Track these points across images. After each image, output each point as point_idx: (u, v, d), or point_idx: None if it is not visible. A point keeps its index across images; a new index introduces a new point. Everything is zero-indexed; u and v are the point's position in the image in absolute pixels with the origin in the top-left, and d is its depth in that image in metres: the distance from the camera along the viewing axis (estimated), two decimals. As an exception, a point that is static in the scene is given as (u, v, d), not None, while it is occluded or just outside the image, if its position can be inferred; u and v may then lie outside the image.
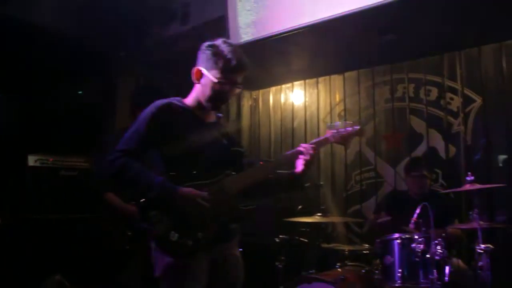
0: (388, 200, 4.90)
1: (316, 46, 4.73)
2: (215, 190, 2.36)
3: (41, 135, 4.66)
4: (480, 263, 3.34)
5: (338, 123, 2.60)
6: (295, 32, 4.26)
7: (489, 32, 4.61)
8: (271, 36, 4.37)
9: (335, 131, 2.55)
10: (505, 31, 4.57)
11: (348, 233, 5.66)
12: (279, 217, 4.55)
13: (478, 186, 3.47)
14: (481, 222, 3.57)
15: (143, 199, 2.31)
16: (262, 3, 4.42)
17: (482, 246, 3.33)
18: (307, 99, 6.31)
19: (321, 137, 2.57)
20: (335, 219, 4.36)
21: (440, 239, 3.36)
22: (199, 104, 2.50)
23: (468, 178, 3.52)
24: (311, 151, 2.47)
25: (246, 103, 6.88)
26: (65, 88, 5.02)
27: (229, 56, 2.39)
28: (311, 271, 3.77)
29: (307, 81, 6.32)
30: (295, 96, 6.45)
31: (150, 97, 2.50)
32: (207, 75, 2.42)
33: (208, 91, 2.44)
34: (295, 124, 6.32)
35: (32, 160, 4.33)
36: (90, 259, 4.12)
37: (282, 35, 4.32)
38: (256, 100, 6.89)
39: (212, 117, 2.59)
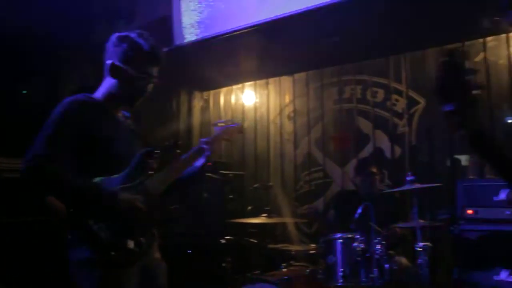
0: (336, 200, 4.96)
1: (264, 47, 4.73)
2: (141, 192, 2.22)
3: (-17, 136, 4.50)
4: (419, 261, 3.42)
5: (223, 121, 2.82)
6: (239, 32, 4.26)
7: (432, 36, 4.72)
8: (215, 37, 4.36)
9: (222, 128, 2.70)
10: (447, 35, 4.69)
11: (298, 233, 5.71)
12: (227, 218, 4.54)
13: (417, 185, 3.55)
14: (421, 221, 3.67)
15: (77, 207, 2.12)
16: (207, 3, 4.40)
17: (421, 244, 3.40)
18: (257, 100, 6.33)
19: (213, 135, 2.66)
20: (280, 219, 4.37)
21: (380, 238, 3.42)
22: (110, 100, 2.34)
23: (408, 178, 3.59)
24: (209, 146, 2.54)
25: (197, 104, 6.83)
26: (7, 88, 4.86)
27: (147, 49, 2.29)
28: (255, 272, 3.78)
29: (257, 82, 6.33)
30: (245, 97, 6.45)
31: None
32: (124, 70, 2.27)
33: (125, 86, 2.31)
34: (246, 125, 6.33)
35: (-27, 162, 4.18)
36: (32, 265, 4.00)
37: (225, 36, 4.32)
38: (207, 101, 6.85)
39: (120, 114, 2.44)
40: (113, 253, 2.08)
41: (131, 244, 2.12)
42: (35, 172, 2.02)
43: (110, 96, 2.33)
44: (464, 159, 4.68)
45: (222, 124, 2.75)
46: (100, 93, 2.35)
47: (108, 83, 2.34)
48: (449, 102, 1.24)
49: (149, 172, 2.32)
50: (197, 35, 4.43)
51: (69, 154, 2.13)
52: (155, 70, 2.36)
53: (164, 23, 4.43)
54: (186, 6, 4.45)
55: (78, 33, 4.56)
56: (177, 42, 4.53)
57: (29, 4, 4.33)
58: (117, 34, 2.34)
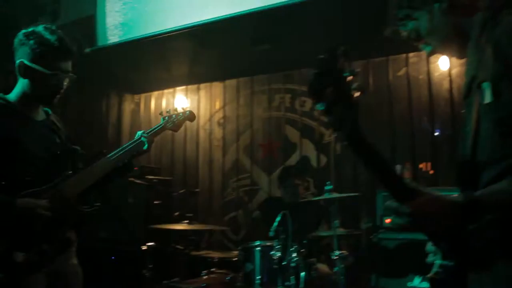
0: (263, 207, 4.98)
1: (194, 52, 4.70)
2: (54, 195, 2.15)
3: None
4: (335, 269, 3.48)
5: (170, 110, 2.73)
6: (165, 35, 4.20)
7: (359, 49, 4.84)
8: (139, 39, 4.27)
9: (167, 118, 2.66)
10: (372, 48, 4.83)
11: (224, 240, 5.70)
12: (152, 224, 4.45)
13: (335, 194, 3.61)
14: (342, 230, 3.74)
15: None
16: (131, 5, 4.32)
17: (337, 252, 3.46)
18: (188, 105, 6.23)
19: (156, 126, 2.62)
20: (201, 226, 4.34)
21: (298, 246, 3.46)
22: (25, 101, 2.25)
23: (326, 187, 3.65)
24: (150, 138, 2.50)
25: (128, 106, 6.69)
26: None
27: (57, 44, 2.19)
28: (174, 280, 3.73)
29: (189, 87, 6.29)
30: (176, 102, 6.37)
31: None
32: (36, 68, 2.17)
33: (39, 86, 2.21)
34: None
35: None
36: None
37: (150, 38, 4.24)
38: (138, 104, 6.73)
39: (40, 114, 2.35)
40: (4, 265, 2.01)
41: (18, 257, 2.01)
42: None
43: (23, 96, 2.24)
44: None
45: (169, 114, 2.71)
46: (14, 93, 2.25)
47: (20, 83, 2.24)
48: (320, 101, 1.22)
49: (67, 173, 2.26)
50: (120, 37, 4.33)
51: None
52: (68, 65, 2.26)
53: (88, 23, 4.30)
54: (111, 7, 4.35)
55: (0, 30, 4.37)
56: (101, 43, 4.41)
57: None
58: (23, 31, 2.23)
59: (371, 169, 1.27)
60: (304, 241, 3.65)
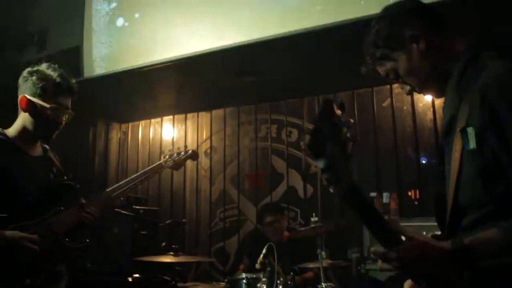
0: (248, 240, 4.96)
1: (179, 83, 4.75)
2: (43, 230, 2.19)
3: None
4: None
5: (173, 148, 2.80)
6: (150, 68, 4.25)
7: (344, 80, 4.91)
8: (125, 71, 4.31)
9: (168, 156, 2.74)
10: (357, 80, 4.90)
11: (212, 270, 5.65)
12: (138, 254, 4.41)
13: (321, 226, 3.61)
14: (329, 261, 3.73)
15: None
16: (117, 37, 4.38)
17: (324, 285, 3.44)
18: (175, 135, 6.29)
19: (155, 164, 2.70)
20: (187, 258, 4.30)
21: (283, 279, 3.44)
22: (24, 135, 2.33)
23: (312, 219, 3.65)
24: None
25: (115, 136, 6.69)
26: None
27: (58, 80, 2.29)
28: (159, 313, 3.68)
29: (176, 116, 6.31)
30: (164, 131, 6.39)
31: None
32: (36, 102, 2.26)
33: (38, 119, 2.29)
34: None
35: None
36: None
37: (135, 70, 4.28)
38: (125, 133, 6.73)
39: (37, 150, 2.43)
40: None
41: None
42: None
43: (23, 130, 2.32)
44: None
45: (170, 153, 2.78)
46: (13, 128, 2.34)
47: (21, 118, 2.33)
48: (321, 157, 1.23)
49: (58, 208, 2.30)
50: (106, 68, 4.38)
51: None
52: (67, 101, 2.35)
53: (75, 53, 4.34)
54: (97, 38, 4.40)
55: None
56: (86, 74, 4.45)
57: None
58: (27, 69, 2.34)
59: (362, 219, 1.29)
60: (291, 273, 3.63)
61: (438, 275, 1.31)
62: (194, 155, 2.83)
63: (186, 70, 4.43)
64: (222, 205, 5.77)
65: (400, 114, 4.93)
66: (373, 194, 4.72)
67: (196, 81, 4.83)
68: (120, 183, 2.52)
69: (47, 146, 2.49)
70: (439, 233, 1.53)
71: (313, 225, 3.62)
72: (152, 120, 6.51)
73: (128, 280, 4.02)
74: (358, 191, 1.26)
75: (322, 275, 3.51)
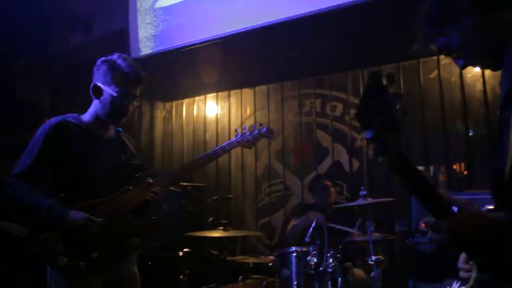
0: (295, 212, 4.98)
1: (223, 60, 4.77)
2: (110, 208, 2.34)
3: None
4: (372, 274, 3.47)
5: (246, 127, 2.72)
6: (196, 46, 4.28)
7: (389, 53, 4.84)
8: (171, 51, 4.37)
9: (240, 135, 2.69)
10: (402, 52, 4.81)
11: (258, 245, 5.73)
12: (187, 230, 4.52)
13: (370, 200, 3.61)
14: (376, 234, 3.74)
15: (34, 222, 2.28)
16: (162, 17, 4.41)
17: (374, 257, 3.46)
18: (219, 112, 6.35)
19: (227, 142, 2.70)
20: (237, 232, 4.37)
21: (334, 251, 3.47)
22: (97, 120, 2.50)
23: (361, 193, 3.65)
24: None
25: (160, 114, 6.80)
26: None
27: (127, 70, 2.42)
28: (211, 285, 3.77)
29: (219, 94, 6.36)
30: (207, 109, 6.46)
31: (28, 113, 2.45)
32: (106, 90, 2.42)
33: (107, 106, 2.44)
34: (207, 136, 6.34)
35: None
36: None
37: (182, 49, 4.33)
38: (169, 112, 6.83)
39: (110, 133, 2.58)
40: (54, 267, 2.24)
41: (62, 261, 2.21)
42: (1, 190, 2.28)
43: (95, 116, 2.49)
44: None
45: (246, 131, 2.70)
46: (87, 113, 2.52)
47: (93, 104, 2.50)
48: (368, 128, 1.23)
49: (127, 187, 2.42)
50: (152, 48, 4.44)
51: (42, 171, 2.35)
52: (135, 90, 2.49)
53: (121, 35, 4.42)
54: (142, 19, 4.46)
55: (35, 44, 4.51)
56: (134, 55, 4.52)
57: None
58: (101, 58, 2.49)
59: (412, 190, 1.28)
60: (339, 246, 3.66)
61: (491, 247, 1.29)
62: (269, 133, 2.75)
63: (230, 48, 4.44)
64: (268, 180, 5.83)
65: (448, 86, 4.82)
66: (419, 168, 4.68)
67: (239, 58, 4.84)
68: (186, 163, 2.63)
69: (120, 129, 2.63)
70: (491, 207, 1.51)
71: (361, 198, 3.63)
72: (196, 98, 6.58)
73: (178, 254, 4.11)
74: (406, 162, 1.25)
75: (371, 248, 3.53)
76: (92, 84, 2.46)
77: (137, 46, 4.48)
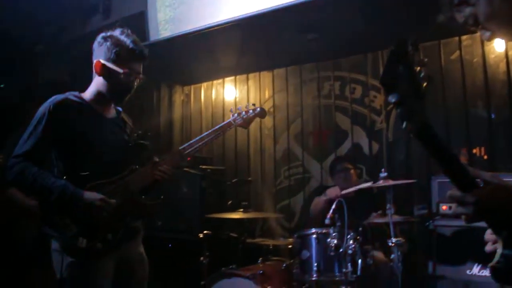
0: (315, 195, 4.98)
1: (242, 43, 4.74)
2: (120, 188, 2.32)
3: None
4: (392, 256, 3.47)
5: (241, 107, 2.81)
6: (214, 29, 4.27)
7: (408, 34, 4.76)
8: (190, 33, 4.35)
9: (236, 115, 2.78)
10: (423, 34, 4.74)
11: (278, 228, 5.75)
12: (206, 212, 4.56)
13: (391, 182, 3.59)
14: (397, 216, 3.73)
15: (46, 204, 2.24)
16: (180, 0, 4.39)
17: (394, 239, 3.45)
18: (237, 95, 6.35)
19: (225, 122, 2.76)
20: (257, 214, 4.40)
21: (354, 233, 3.47)
22: (99, 98, 2.43)
23: (381, 174, 3.64)
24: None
25: (178, 98, 6.83)
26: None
27: (131, 46, 2.37)
28: (231, 267, 3.81)
29: (237, 77, 6.35)
30: (226, 92, 6.46)
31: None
32: (110, 67, 2.35)
33: (112, 84, 2.39)
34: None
35: None
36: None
37: (201, 32, 4.31)
38: (188, 96, 6.85)
39: (111, 112, 2.53)
40: (70, 249, 2.21)
41: (82, 242, 2.19)
42: (8, 170, 2.19)
43: (97, 94, 2.42)
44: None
45: (240, 111, 2.81)
46: (88, 91, 2.44)
47: (95, 82, 2.43)
48: (393, 93, 1.22)
49: (133, 167, 2.40)
50: (171, 31, 4.43)
51: (47, 151, 2.28)
52: (139, 66, 2.45)
53: (140, 19, 4.42)
54: (161, 2, 4.44)
55: (54, 28, 4.54)
56: (153, 38, 4.53)
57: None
58: (102, 34, 2.42)
59: (437, 160, 1.27)
60: (359, 228, 3.66)
61: None
62: (263, 112, 2.88)
63: (249, 30, 4.41)
64: (287, 163, 5.83)
65: (469, 67, 4.74)
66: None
67: (258, 40, 4.81)
68: (191, 141, 2.59)
69: (119, 108, 2.59)
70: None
71: (382, 180, 3.62)
72: (214, 82, 6.58)
73: (199, 236, 4.15)
74: (430, 129, 1.24)
75: (391, 230, 3.52)
76: (95, 61, 2.39)
77: (156, 29, 4.47)
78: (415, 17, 4.28)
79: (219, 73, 6.31)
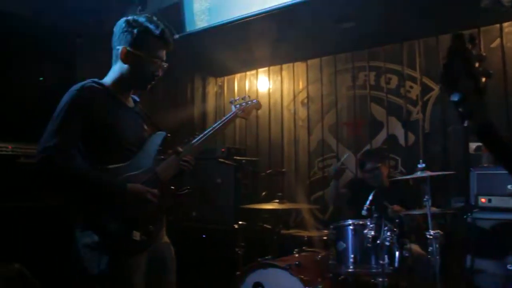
0: (349, 186, 4.94)
1: (277, 33, 4.72)
2: (152, 179, 2.28)
3: (0, 122, 4.57)
4: (430, 249, 3.42)
5: (239, 98, 2.88)
6: (250, 19, 4.25)
7: (447, 21, 4.67)
8: (226, 23, 4.35)
9: (238, 106, 2.83)
10: (462, 21, 4.64)
11: (311, 219, 5.73)
12: (241, 203, 4.58)
13: (429, 173, 3.53)
14: (434, 209, 3.66)
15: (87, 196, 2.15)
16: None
17: (432, 232, 3.40)
18: (271, 86, 6.33)
19: (230, 114, 2.79)
20: (292, 205, 4.39)
21: (391, 225, 3.43)
22: (120, 86, 2.35)
23: (419, 166, 3.58)
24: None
25: (212, 90, 6.86)
26: (25, 74, 4.92)
27: (157, 33, 2.31)
28: (267, 257, 3.82)
29: (271, 68, 6.33)
30: (259, 83, 6.46)
31: None
32: (136, 54, 2.29)
33: (137, 71, 2.32)
34: (259, 111, 6.32)
35: (-10, 148, 4.25)
36: (50, 249, 4.07)
37: (237, 22, 4.31)
38: (221, 87, 6.87)
39: (130, 101, 2.46)
40: (119, 243, 2.14)
41: (137, 235, 2.17)
42: (46, 164, 2.03)
43: (120, 81, 2.35)
44: (476, 146, 4.63)
45: (239, 102, 2.86)
46: (109, 78, 2.36)
47: (118, 69, 2.35)
48: (455, 92, 1.20)
49: (158, 157, 2.37)
50: (208, 21, 4.43)
51: (77, 142, 2.15)
52: (164, 54, 2.39)
53: (176, 10, 4.43)
54: (197, -8, 4.45)
55: (92, 21, 4.59)
56: (189, 29, 4.54)
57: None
58: (125, 19, 2.34)
59: (498, 157, 1.25)
60: (396, 220, 3.62)
61: None
62: (258, 106, 2.97)
63: (285, 19, 4.38)
64: (321, 154, 5.80)
65: (511, 56, 4.61)
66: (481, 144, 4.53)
67: (293, 30, 4.77)
68: (203, 133, 2.56)
69: (136, 98, 2.52)
70: None
71: (420, 172, 3.56)
72: (247, 73, 6.58)
73: (233, 227, 4.17)
74: (491, 127, 1.22)
75: (429, 222, 3.46)
76: (120, 48, 2.29)
77: (192, 20, 4.47)
78: (452, 4, 4.19)
79: (253, 64, 6.30)
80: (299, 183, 5.82)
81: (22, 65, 4.83)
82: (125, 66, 2.32)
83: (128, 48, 2.29)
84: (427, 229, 3.45)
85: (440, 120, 4.96)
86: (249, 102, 2.89)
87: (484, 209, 3.89)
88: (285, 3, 4.00)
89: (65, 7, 4.40)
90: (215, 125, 2.64)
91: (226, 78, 6.83)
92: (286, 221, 4.98)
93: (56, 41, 4.80)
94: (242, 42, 5.09)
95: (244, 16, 4.25)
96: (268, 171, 5.09)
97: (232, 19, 4.32)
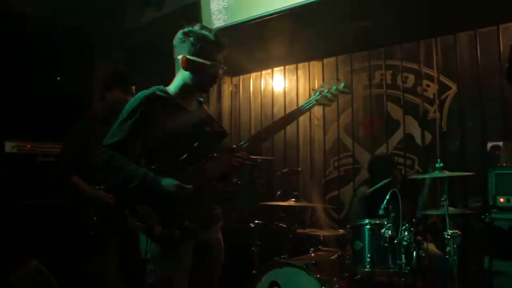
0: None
1: (293, 32, 4.72)
2: (197, 175, 2.39)
3: (19, 121, 4.63)
4: (448, 249, 3.39)
5: (324, 84, 2.75)
6: (267, 18, 4.27)
7: (464, 19, 4.63)
8: (243, 22, 4.37)
9: (318, 93, 2.74)
10: (480, 19, 4.59)
11: (327, 218, 5.72)
12: (257, 202, 4.59)
13: (447, 173, 3.50)
14: (452, 209, 3.63)
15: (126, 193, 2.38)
16: (234, -11, 4.40)
17: (450, 232, 3.37)
18: (286, 85, 6.33)
19: (308, 101, 2.75)
20: (308, 204, 4.39)
21: (408, 225, 3.41)
22: (184, 92, 2.55)
23: (437, 165, 3.55)
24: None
25: (227, 89, 6.88)
26: (42, 74, 4.98)
27: (213, 38, 2.51)
28: (283, 256, 3.82)
29: (286, 67, 6.33)
30: (275, 82, 6.46)
31: (120, 81, 2.50)
32: (197, 61, 2.47)
33: (200, 76, 2.51)
34: (275, 110, 6.35)
35: (9, 147, 4.31)
36: (67, 245, 4.11)
37: (254, 21, 4.32)
38: (236, 86, 6.89)
39: (193, 104, 2.64)
40: (150, 236, 2.31)
41: (157, 230, 2.29)
42: (98, 159, 2.37)
43: (184, 87, 2.55)
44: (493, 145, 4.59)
45: (323, 89, 2.73)
46: (174, 85, 2.57)
47: (180, 76, 2.55)
48: None
49: (211, 154, 2.46)
50: (224, 21, 4.46)
51: (134, 143, 2.43)
52: (221, 57, 2.57)
53: (193, 9, 4.46)
54: (214, -9, 4.46)
55: (110, 20, 4.64)
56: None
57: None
58: (181, 31, 2.54)
59: None
60: (413, 220, 3.60)
61: None
62: (348, 88, 2.77)
63: (301, 18, 4.38)
64: (336, 154, 5.78)
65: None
66: (499, 143, 4.49)
67: (309, 29, 4.76)
68: (263, 128, 2.71)
69: (201, 99, 2.71)
70: None
71: (438, 171, 3.53)
72: (263, 72, 6.59)
73: (250, 226, 4.18)
74: None
75: (447, 222, 3.44)
76: (182, 57, 2.49)
77: (210, 19, 4.50)
78: (467, 5, 4.15)
79: (268, 63, 6.30)
80: (314, 182, 5.81)
81: (39, 65, 4.89)
82: (187, 73, 2.52)
83: (188, 56, 2.48)
84: (443, 229, 3.42)
85: (457, 119, 4.92)
86: (334, 88, 2.69)
87: (502, 209, 3.85)
88: (301, 2, 4.00)
89: (83, 8, 4.45)
90: (277, 120, 2.78)
91: (241, 77, 6.85)
92: (302, 220, 4.96)
93: (73, 41, 4.86)
94: (258, 41, 5.09)
95: (261, 15, 4.27)
96: (283, 170, 5.08)
97: (249, 18, 4.34)
